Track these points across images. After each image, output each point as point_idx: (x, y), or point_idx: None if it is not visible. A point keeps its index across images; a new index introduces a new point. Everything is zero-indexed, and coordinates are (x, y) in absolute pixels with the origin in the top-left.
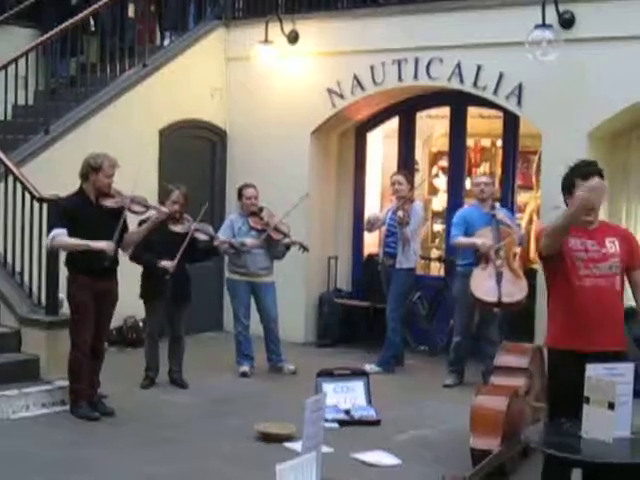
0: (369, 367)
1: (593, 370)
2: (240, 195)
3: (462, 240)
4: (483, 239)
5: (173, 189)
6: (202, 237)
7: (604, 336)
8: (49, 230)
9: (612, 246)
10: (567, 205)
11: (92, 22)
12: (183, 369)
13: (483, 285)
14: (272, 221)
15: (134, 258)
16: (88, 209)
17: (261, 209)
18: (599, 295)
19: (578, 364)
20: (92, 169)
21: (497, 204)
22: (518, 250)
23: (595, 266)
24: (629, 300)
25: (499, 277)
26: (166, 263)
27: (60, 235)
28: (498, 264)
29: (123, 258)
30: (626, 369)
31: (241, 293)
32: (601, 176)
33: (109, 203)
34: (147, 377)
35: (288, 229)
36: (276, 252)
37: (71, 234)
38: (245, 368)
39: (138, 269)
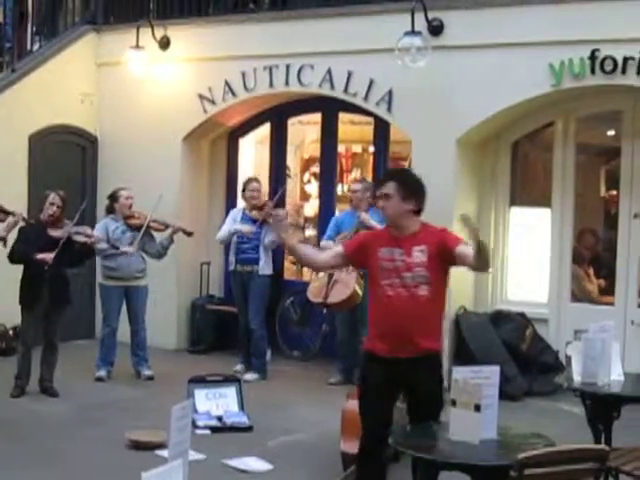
0: (250, 376)
1: (459, 373)
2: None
3: (323, 243)
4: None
5: (49, 193)
6: (80, 239)
7: (405, 345)
8: None
9: (419, 255)
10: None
11: None
12: (54, 377)
13: (314, 286)
14: (143, 215)
15: (11, 258)
16: None
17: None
18: (400, 305)
19: (384, 368)
20: None
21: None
22: None
23: (398, 276)
24: (495, 304)
25: (330, 278)
26: (44, 256)
27: None
28: None
29: None
30: (491, 372)
31: (113, 298)
32: (393, 180)
33: None
34: (17, 386)
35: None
36: (158, 247)
37: None
38: (102, 373)
39: (7, 278)
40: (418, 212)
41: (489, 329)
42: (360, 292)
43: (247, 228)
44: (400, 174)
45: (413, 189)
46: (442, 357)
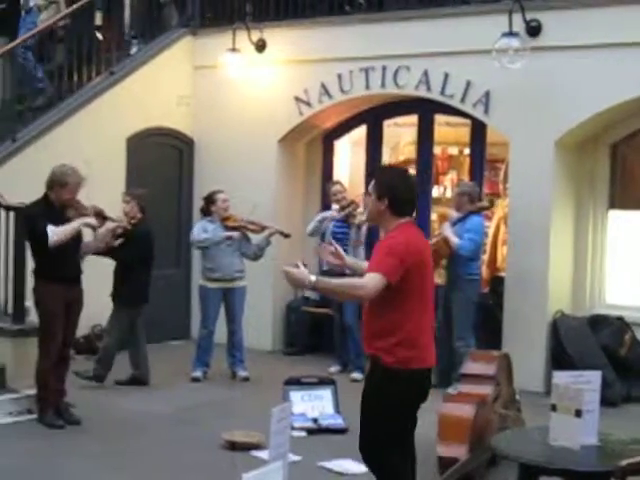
0: (357, 375)
1: (560, 377)
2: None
3: None
4: None
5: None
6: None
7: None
8: (36, 235)
9: None
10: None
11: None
12: (151, 376)
13: None
14: (240, 217)
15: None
16: (53, 216)
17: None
18: None
19: None
20: (58, 184)
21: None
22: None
23: None
24: (593, 308)
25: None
26: None
27: (54, 231)
28: None
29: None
30: (593, 376)
31: (212, 300)
32: (373, 178)
33: (72, 214)
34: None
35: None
36: (254, 249)
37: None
38: (198, 374)
39: (103, 278)
40: (399, 213)
41: (587, 333)
42: None
43: (330, 213)
44: (379, 172)
45: (385, 188)
46: (382, 368)
